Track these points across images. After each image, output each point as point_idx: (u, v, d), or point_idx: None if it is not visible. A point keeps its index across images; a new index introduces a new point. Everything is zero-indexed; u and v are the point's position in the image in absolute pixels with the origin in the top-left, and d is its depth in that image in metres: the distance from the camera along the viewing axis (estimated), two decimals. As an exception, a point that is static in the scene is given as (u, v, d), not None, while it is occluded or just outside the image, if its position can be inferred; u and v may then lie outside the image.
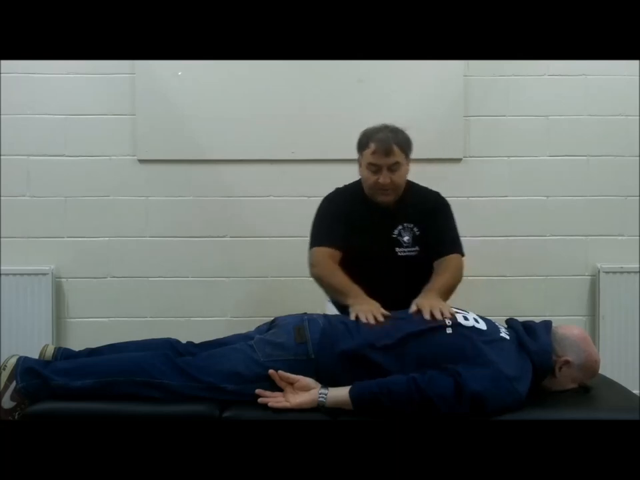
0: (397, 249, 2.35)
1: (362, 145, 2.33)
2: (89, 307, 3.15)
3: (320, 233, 2.38)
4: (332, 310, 2.36)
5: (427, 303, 2.00)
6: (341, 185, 2.48)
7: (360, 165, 2.36)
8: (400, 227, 2.36)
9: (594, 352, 1.93)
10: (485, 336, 1.87)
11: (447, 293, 2.21)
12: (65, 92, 3.10)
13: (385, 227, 2.35)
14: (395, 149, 2.27)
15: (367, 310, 2.01)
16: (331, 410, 1.77)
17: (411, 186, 2.42)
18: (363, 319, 1.96)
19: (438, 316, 1.92)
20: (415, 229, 2.36)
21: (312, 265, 2.35)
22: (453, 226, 2.43)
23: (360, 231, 2.35)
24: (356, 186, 2.43)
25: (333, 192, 2.47)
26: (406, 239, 2.35)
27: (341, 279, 2.25)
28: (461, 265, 2.36)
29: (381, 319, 1.97)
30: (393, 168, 2.28)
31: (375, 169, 2.28)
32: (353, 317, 1.99)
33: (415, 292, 2.21)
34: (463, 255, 2.40)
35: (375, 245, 2.34)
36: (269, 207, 3.15)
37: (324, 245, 2.33)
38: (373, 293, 2.17)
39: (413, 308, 2.01)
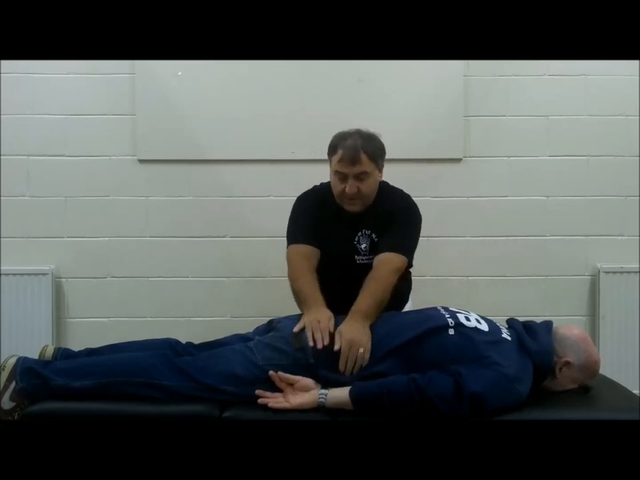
0: (356, 257, 2.26)
1: (331, 149, 2.24)
2: (89, 307, 3.15)
3: (294, 231, 2.31)
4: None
5: (346, 340, 1.88)
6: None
7: (330, 171, 2.27)
8: (360, 234, 2.26)
9: (594, 352, 1.93)
10: (487, 336, 1.87)
11: (377, 312, 2.03)
12: (65, 92, 3.10)
13: (347, 233, 2.28)
14: (363, 157, 2.15)
15: (314, 320, 1.94)
16: (331, 410, 1.77)
17: (382, 189, 2.30)
18: (309, 333, 1.90)
19: (351, 362, 1.85)
20: (374, 236, 2.26)
21: (287, 263, 2.27)
22: (405, 228, 2.25)
23: (325, 235, 2.27)
24: (327, 188, 2.33)
25: (307, 190, 2.41)
26: (363, 246, 2.26)
27: (306, 285, 2.14)
28: (396, 266, 2.16)
29: (326, 334, 1.89)
30: (361, 177, 2.17)
31: (342, 176, 2.18)
32: (297, 328, 1.93)
33: None
34: (406, 257, 2.21)
35: (338, 251, 2.26)
36: (268, 207, 3.15)
37: (299, 242, 2.26)
38: (333, 299, 2.10)
39: (337, 342, 1.89)
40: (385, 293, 2.09)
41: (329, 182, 2.34)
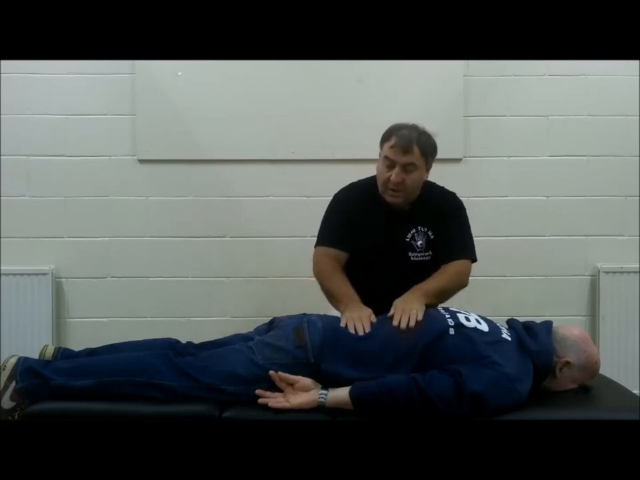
0: (410, 254, 2.24)
1: (384, 137, 2.21)
2: (89, 307, 3.15)
3: (323, 233, 2.31)
4: (336, 313, 2.24)
5: (400, 305, 1.98)
6: (348, 183, 2.38)
7: (379, 158, 2.24)
8: (414, 231, 2.25)
9: (594, 353, 1.93)
10: (486, 337, 1.87)
11: (437, 296, 2.10)
12: (65, 92, 3.10)
13: (399, 230, 2.25)
14: (415, 149, 2.14)
15: (357, 317, 1.98)
16: (331, 410, 1.77)
17: (429, 187, 2.32)
18: (351, 329, 1.94)
19: (404, 323, 1.90)
20: (430, 233, 2.25)
21: (313, 264, 2.28)
22: (463, 230, 2.30)
23: (371, 232, 2.25)
24: (370, 182, 2.30)
25: (344, 187, 2.36)
26: (419, 243, 2.24)
27: (337, 284, 2.18)
28: (464, 270, 2.24)
29: (368, 329, 1.94)
30: (408, 168, 2.15)
31: (390, 163, 2.16)
32: (343, 324, 1.97)
33: None
34: (473, 259, 2.28)
35: (388, 248, 2.24)
36: (268, 207, 3.15)
37: (325, 245, 2.27)
38: (383, 297, 2.08)
39: (392, 311, 1.98)
40: (449, 285, 2.17)
41: (367, 178, 2.33)
